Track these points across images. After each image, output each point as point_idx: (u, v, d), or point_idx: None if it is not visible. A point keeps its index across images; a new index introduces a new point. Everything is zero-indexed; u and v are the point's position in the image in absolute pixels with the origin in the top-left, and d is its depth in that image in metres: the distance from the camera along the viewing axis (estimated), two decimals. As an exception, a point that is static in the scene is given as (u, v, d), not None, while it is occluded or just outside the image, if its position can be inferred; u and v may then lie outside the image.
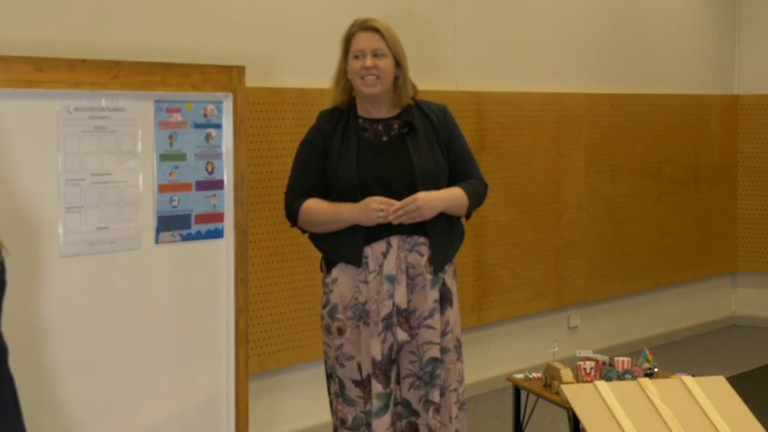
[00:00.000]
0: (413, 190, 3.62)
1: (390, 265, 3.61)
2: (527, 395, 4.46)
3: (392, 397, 3.64)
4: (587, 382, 4.06)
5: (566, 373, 4.14)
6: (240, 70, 4.00)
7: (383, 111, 3.74)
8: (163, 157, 3.82)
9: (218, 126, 3.97)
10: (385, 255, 3.62)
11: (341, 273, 3.66)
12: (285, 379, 5.16)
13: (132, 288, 3.75)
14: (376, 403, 3.61)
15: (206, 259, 3.95)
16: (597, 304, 7.04)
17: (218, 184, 3.97)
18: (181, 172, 3.87)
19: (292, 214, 3.73)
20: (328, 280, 3.70)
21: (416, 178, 3.64)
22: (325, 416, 5.34)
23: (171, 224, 3.84)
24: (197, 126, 3.91)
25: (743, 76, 8.15)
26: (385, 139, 3.70)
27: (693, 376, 4.06)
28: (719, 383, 3.92)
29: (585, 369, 4.19)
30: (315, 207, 3.68)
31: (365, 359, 3.63)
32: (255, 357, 4.88)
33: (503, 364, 6.40)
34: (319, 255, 3.86)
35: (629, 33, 7.24)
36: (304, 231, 3.80)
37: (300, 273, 5.11)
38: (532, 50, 6.54)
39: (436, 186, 3.68)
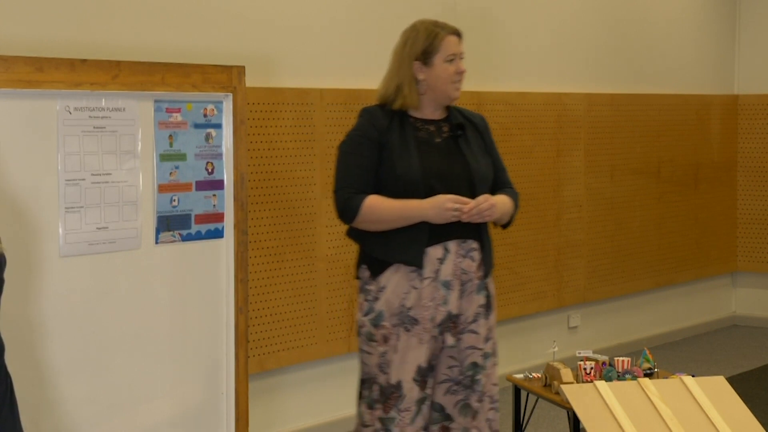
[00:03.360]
0: (472, 190, 3.59)
1: (447, 271, 3.55)
2: (527, 395, 4.46)
3: (426, 402, 3.59)
4: (587, 382, 4.06)
5: (566, 373, 4.14)
6: (240, 70, 4.00)
7: (436, 113, 3.69)
8: (163, 157, 3.82)
9: (218, 126, 3.97)
10: (441, 260, 3.55)
11: (391, 279, 3.55)
12: (285, 379, 5.16)
13: (132, 288, 3.75)
14: (414, 410, 3.55)
15: (206, 259, 3.95)
16: (597, 304, 7.04)
17: (218, 184, 3.97)
18: (181, 172, 3.87)
19: (350, 210, 3.54)
20: (372, 287, 3.58)
21: (475, 180, 3.61)
22: (325, 416, 5.34)
23: (171, 224, 3.84)
24: (197, 126, 3.91)
25: (743, 76, 8.15)
26: (438, 140, 3.65)
27: (693, 376, 4.06)
28: (719, 383, 3.92)
29: (585, 369, 4.19)
30: (379, 203, 3.53)
31: (402, 365, 3.54)
32: (255, 357, 4.88)
33: (503, 364, 6.38)
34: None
35: (629, 33, 7.24)
36: (353, 230, 3.65)
37: (300, 273, 5.11)
38: (532, 50, 6.54)
39: (488, 189, 3.66)
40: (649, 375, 4.26)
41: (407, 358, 3.54)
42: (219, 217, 3.98)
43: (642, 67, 7.34)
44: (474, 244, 3.60)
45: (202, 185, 3.93)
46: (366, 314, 3.60)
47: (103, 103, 3.65)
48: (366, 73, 5.50)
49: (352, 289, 5.33)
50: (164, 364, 3.84)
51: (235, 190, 3.99)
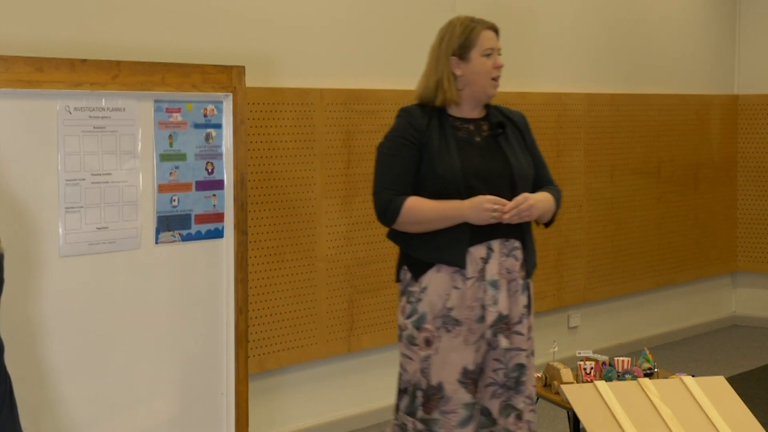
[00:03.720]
0: (513, 189, 3.54)
1: (493, 271, 3.49)
2: (527, 395, 4.45)
3: (476, 407, 3.54)
4: (587, 382, 4.07)
5: (566, 373, 4.14)
6: (240, 70, 4.00)
7: (475, 111, 3.64)
8: (163, 157, 3.82)
9: (218, 126, 3.97)
10: (485, 260, 3.49)
11: (433, 280, 3.49)
12: (285, 379, 5.16)
13: (132, 288, 3.75)
14: (462, 413, 3.48)
15: (206, 259, 3.95)
16: (597, 304, 7.04)
17: (218, 184, 3.97)
18: (181, 172, 3.87)
19: (391, 212, 3.49)
20: (414, 288, 3.51)
21: (515, 178, 3.56)
22: (325, 416, 5.34)
23: (171, 224, 3.85)
24: (197, 126, 3.91)
25: (743, 76, 8.15)
26: (478, 139, 3.59)
27: (693, 376, 4.06)
28: (719, 383, 3.92)
29: (585, 369, 4.19)
30: (420, 205, 3.48)
31: (443, 366, 3.47)
32: (255, 357, 4.88)
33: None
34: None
35: (629, 33, 7.24)
36: (394, 231, 3.59)
37: (300, 273, 5.11)
38: (532, 50, 6.54)
39: (529, 188, 3.61)
40: (649, 375, 4.26)
41: (449, 359, 3.48)
42: (219, 217, 3.98)
43: (642, 67, 7.34)
44: (516, 243, 3.55)
45: (202, 185, 3.93)
46: (408, 316, 3.52)
47: (103, 103, 3.65)
48: (366, 73, 5.50)
49: (353, 289, 5.34)
50: (164, 364, 3.84)
51: (235, 190, 3.99)
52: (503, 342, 3.51)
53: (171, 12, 4.67)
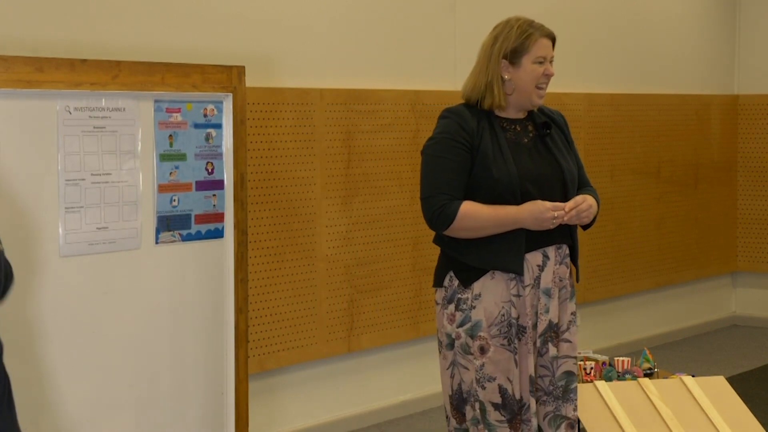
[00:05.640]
0: (565, 192, 3.48)
1: (547, 279, 3.43)
2: (527, 395, 4.45)
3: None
4: (587, 382, 4.06)
5: (566, 373, 4.14)
6: (240, 70, 4.00)
7: (520, 113, 3.56)
8: (163, 157, 3.82)
9: (218, 126, 3.97)
10: (541, 268, 3.43)
11: (488, 287, 3.40)
12: (285, 379, 5.16)
13: (132, 288, 3.75)
14: (534, 422, 3.41)
15: (206, 259, 3.95)
16: (597, 304, 7.04)
17: (218, 184, 3.97)
18: (181, 172, 3.87)
19: (446, 217, 3.37)
20: (466, 295, 3.41)
21: (566, 181, 3.49)
22: (325, 416, 5.34)
23: (171, 224, 3.85)
24: (197, 126, 3.91)
25: (743, 76, 8.15)
26: (526, 140, 3.52)
27: (693, 376, 4.06)
28: (719, 383, 3.92)
29: (585, 369, 4.18)
30: (476, 210, 3.37)
31: (516, 379, 3.41)
32: (255, 357, 4.88)
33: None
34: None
35: (629, 33, 7.24)
36: (442, 237, 3.47)
37: (300, 273, 5.11)
38: (532, 50, 6.54)
39: (576, 190, 3.54)
40: (649, 375, 4.26)
41: (523, 368, 3.42)
42: (219, 217, 3.98)
43: (642, 67, 7.34)
44: (567, 250, 3.51)
45: (202, 185, 3.93)
46: (461, 325, 3.41)
47: (103, 103, 3.65)
48: (366, 73, 5.50)
49: (353, 289, 5.34)
50: (164, 364, 3.84)
51: (235, 190, 3.99)
52: (552, 351, 3.46)
53: (171, 12, 4.67)
